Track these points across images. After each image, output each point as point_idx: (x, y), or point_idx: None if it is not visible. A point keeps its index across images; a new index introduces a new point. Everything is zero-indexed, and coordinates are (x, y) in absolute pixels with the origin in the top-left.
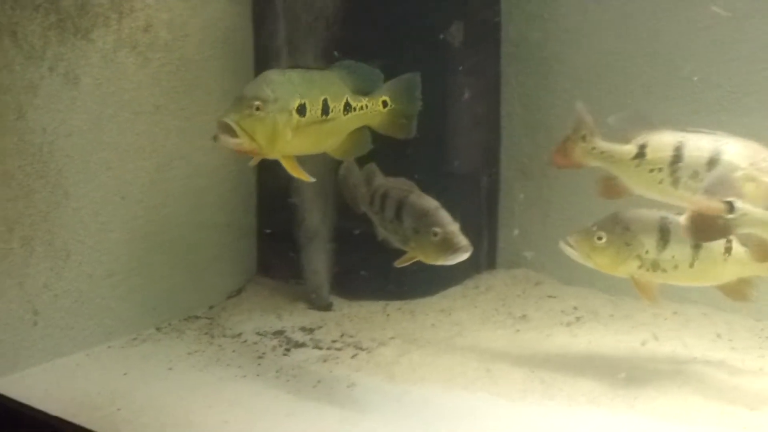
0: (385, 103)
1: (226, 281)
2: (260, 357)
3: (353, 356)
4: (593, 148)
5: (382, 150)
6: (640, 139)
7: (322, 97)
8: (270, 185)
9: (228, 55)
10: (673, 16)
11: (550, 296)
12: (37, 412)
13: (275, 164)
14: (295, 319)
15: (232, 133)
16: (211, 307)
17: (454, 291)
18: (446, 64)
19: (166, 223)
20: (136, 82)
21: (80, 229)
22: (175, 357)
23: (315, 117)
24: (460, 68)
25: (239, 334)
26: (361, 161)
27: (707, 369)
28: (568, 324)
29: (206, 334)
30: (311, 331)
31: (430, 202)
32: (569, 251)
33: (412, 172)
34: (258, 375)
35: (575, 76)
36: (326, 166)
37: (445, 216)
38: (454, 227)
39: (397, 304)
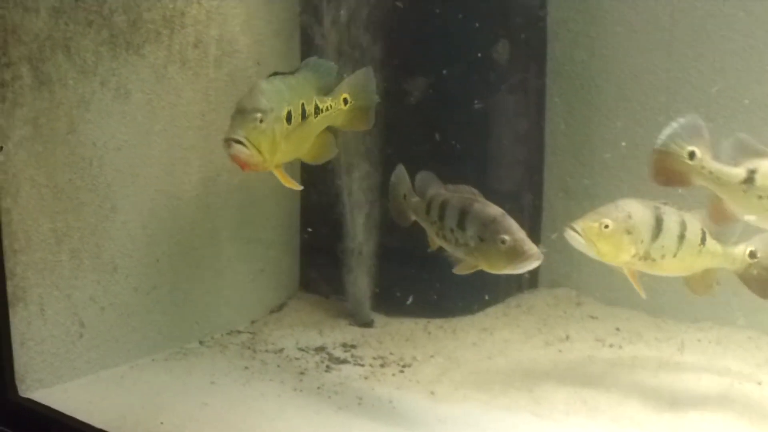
0: (345, 101)
1: (268, 296)
2: (302, 373)
3: (394, 374)
4: (703, 167)
5: (424, 166)
6: (750, 164)
7: (300, 102)
8: (314, 201)
9: (275, 70)
10: (718, 36)
11: (592, 317)
12: (81, 424)
13: (319, 180)
14: (337, 335)
15: (239, 148)
16: (253, 322)
17: (496, 309)
18: (491, 82)
19: (211, 237)
20: (185, 97)
21: (128, 243)
22: (217, 371)
23: (297, 123)
24: (504, 86)
25: (281, 350)
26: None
27: (753, 393)
28: (611, 345)
29: (248, 348)
30: (353, 347)
31: (496, 210)
32: (575, 238)
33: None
34: (301, 390)
35: (621, 95)
36: (368, 183)
37: (512, 223)
38: (522, 234)
39: (438, 321)
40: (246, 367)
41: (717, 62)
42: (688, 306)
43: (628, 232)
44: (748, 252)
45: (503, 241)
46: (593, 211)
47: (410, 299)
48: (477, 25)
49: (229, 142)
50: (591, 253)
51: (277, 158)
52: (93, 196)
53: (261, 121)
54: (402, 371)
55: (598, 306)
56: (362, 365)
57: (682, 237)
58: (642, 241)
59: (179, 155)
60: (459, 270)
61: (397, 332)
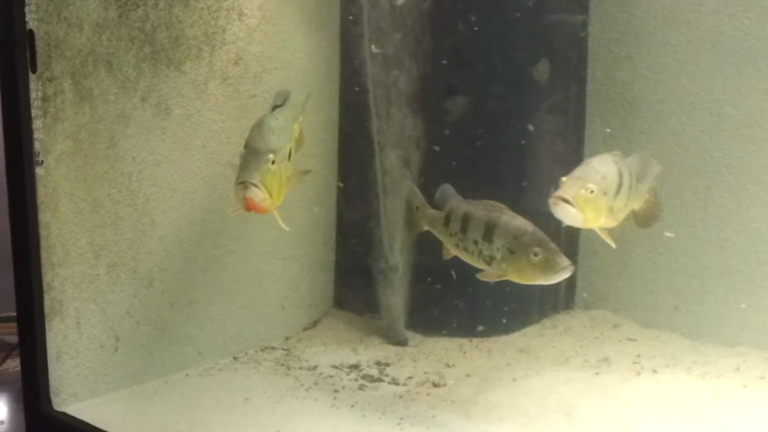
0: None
1: (302, 313)
2: (336, 391)
3: (429, 393)
4: None
5: (463, 185)
6: None
7: (295, 136)
8: (350, 218)
9: (314, 88)
10: (762, 58)
11: (629, 339)
12: None
13: (355, 198)
14: (371, 353)
15: (255, 191)
16: (287, 339)
17: (532, 330)
18: (531, 102)
19: (246, 253)
20: (225, 113)
21: (164, 258)
22: (251, 387)
23: (293, 159)
24: (544, 106)
25: (315, 367)
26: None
27: None
28: (649, 369)
29: (282, 365)
30: (387, 365)
31: (526, 222)
32: (567, 209)
33: None
34: (335, 408)
35: (662, 118)
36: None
37: (543, 236)
38: (553, 246)
39: (473, 341)
40: (280, 384)
41: (761, 84)
42: (726, 329)
43: (605, 193)
44: (648, 189)
45: (536, 254)
46: (572, 178)
47: (445, 317)
48: (518, 45)
49: (244, 184)
50: (578, 221)
51: (280, 199)
52: (131, 210)
53: (273, 162)
54: (436, 391)
55: (635, 328)
56: (397, 384)
57: (630, 187)
58: (610, 199)
59: (218, 171)
60: (483, 276)
61: (432, 351)
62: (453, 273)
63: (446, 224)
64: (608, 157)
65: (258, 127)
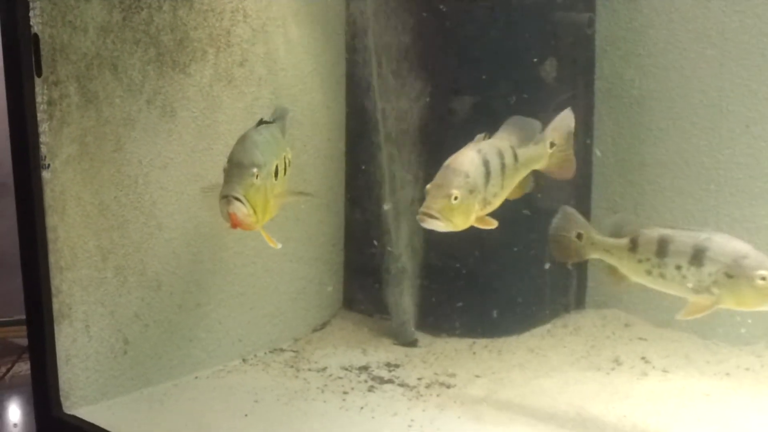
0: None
1: (311, 314)
2: (345, 393)
3: (439, 394)
4: None
5: None
6: None
7: (283, 155)
8: (358, 219)
9: (320, 89)
10: None
11: (640, 338)
12: None
13: (364, 198)
14: (380, 354)
15: (238, 206)
16: (296, 340)
17: (542, 330)
18: (538, 101)
19: (254, 255)
20: (230, 115)
21: (172, 260)
22: (260, 389)
23: (281, 178)
24: (553, 105)
25: (324, 368)
26: None
27: None
28: (660, 368)
29: (291, 367)
30: (396, 367)
31: (744, 244)
32: (435, 224)
33: (500, 207)
34: (345, 410)
35: (671, 114)
36: (414, 201)
37: (765, 257)
38: None
39: (483, 341)
40: (289, 386)
41: None
42: (739, 328)
43: (471, 192)
44: (549, 144)
45: (764, 278)
46: (434, 186)
47: (454, 318)
48: (525, 43)
49: (228, 198)
50: (447, 229)
51: (266, 217)
52: (138, 213)
53: (257, 177)
54: (446, 392)
55: (647, 327)
56: (406, 385)
57: (503, 166)
58: (480, 192)
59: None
60: (687, 313)
61: (442, 352)
62: (463, 273)
63: (632, 250)
64: (468, 151)
65: (241, 141)
